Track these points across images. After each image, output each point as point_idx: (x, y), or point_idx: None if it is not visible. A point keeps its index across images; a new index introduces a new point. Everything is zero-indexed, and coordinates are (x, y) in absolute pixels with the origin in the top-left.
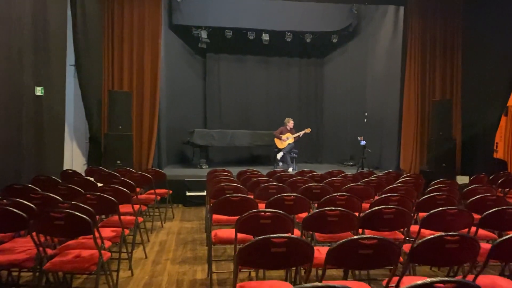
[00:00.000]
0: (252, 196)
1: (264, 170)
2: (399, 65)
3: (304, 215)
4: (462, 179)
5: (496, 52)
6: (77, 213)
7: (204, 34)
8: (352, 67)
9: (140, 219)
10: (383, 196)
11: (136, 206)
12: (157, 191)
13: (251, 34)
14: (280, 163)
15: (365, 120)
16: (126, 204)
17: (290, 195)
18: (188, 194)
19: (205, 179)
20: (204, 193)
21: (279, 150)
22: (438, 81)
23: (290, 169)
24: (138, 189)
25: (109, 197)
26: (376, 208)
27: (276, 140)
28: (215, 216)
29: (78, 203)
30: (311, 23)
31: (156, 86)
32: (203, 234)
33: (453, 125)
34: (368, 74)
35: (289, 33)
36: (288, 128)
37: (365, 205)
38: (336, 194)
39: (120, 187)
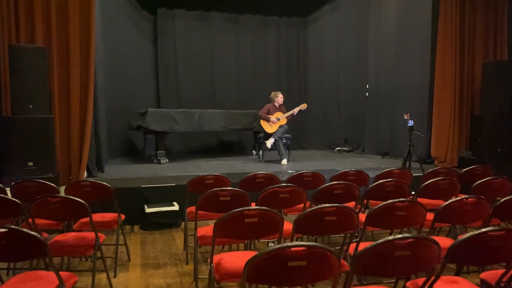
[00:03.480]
0: None
1: (244, 162)
2: (425, 20)
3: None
4: None
5: None
6: None
7: None
8: (347, 27)
9: None
10: None
11: None
12: (101, 219)
13: None
14: (260, 151)
15: (367, 94)
16: None
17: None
18: (148, 210)
19: (171, 183)
20: (173, 207)
21: (268, 135)
22: (480, 40)
23: (284, 161)
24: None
25: None
26: None
27: (262, 122)
28: None
29: None
30: None
31: (90, 48)
32: None
33: None
34: (370, 34)
35: None
36: (277, 105)
37: None
38: None
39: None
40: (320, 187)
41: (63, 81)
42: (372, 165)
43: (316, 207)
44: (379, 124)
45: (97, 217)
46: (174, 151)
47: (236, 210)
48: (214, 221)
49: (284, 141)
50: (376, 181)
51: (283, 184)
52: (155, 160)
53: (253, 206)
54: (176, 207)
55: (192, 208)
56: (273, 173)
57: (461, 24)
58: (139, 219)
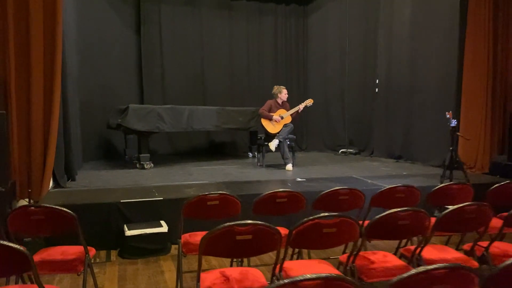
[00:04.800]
0: None
1: (241, 167)
2: (451, 4)
3: None
4: None
5: None
6: None
7: None
8: (353, 15)
9: None
10: None
11: None
12: (61, 256)
13: None
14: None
15: (376, 90)
16: None
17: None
18: (128, 233)
19: (158, 197)
20: (161, 229)
21: (270, 136)
22: None
23: (289, 166)
24: None
25: None
26: None
27: (264, 121)
28: None
29: None
30: None
31: (55, 30)
32: None
33: None
34: (381, 23)
35: None
36: (280, 101)
37: None
38: None
39: None
40: (378, 216)
41: (21, 68)
42: (390, 170)
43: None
44: (391, 123)
45: (56, 253)
46: (160, 153)
47: None
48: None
49: (288, 142)
50: (441, 204)
51: (326, 214)
52: (137, 165)
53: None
54: (164, 227)
55: (189, 237)
56: (279, 180)
57: (495, 10)
58: (117, 244)
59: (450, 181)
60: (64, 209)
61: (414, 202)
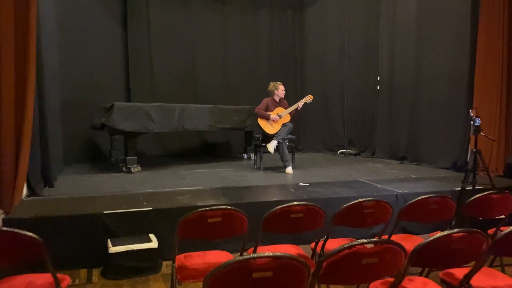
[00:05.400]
0: None
1: (237, 170)
2: None
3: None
4: None
5: None
6: None
7: None
8: (353, 8)
9: None
10: None
11: None
12: (24, 286)
13: None
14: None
15: (378, 87)
16: None
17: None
18: (112, 249)
19: (147, 206)
20: (150, 244)
21: (268, 136)
22: None
23: (289, 169)
24: None
25: None
26: None
27: (261, 121)
28: None
29: None
30: None
31: (28, 21)
32: None
33: None
34: (383, 16)
35: None
36: (277, 98)
37: None
38: None
39: None
40: (426, 241)
41: None
42: (397, 173)
43: None
44: (394, 122)
45: (21, 283)
46: (148, 154)
47: None
48: None
49: (288, 143)
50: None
51: (365, 241)
52: (124, 169)
53: None
54: (154, 243)
55: (185, 260)
56: (279, 185)
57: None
58: (100, 262)
59: (473, 186)
60: (29, 234)
61: (448, 214)
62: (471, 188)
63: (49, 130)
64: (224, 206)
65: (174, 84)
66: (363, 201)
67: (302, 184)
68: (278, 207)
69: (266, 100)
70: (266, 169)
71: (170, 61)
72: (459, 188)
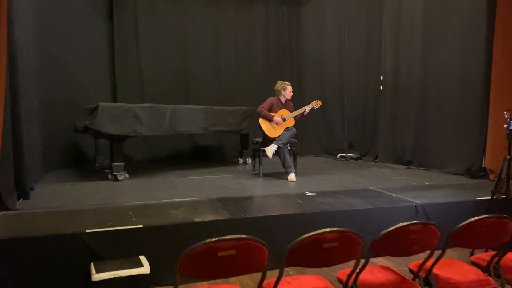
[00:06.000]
0: None
1: (235, 177)
2: None
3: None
4: None
5: None
6: None
7: None
8: (353, 4)
9: None
10: None
11: None
12: None
13: None
14: (252, 161)
15: (381, 88)
16: None
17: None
18: (96, 276)
19: (137, 223)
20: (141, 269)
21: (269, 140)
22: None
23: (292, 176)
24: None
25: None
26: None
27: (262, 122)
28: None
29: None
30: None
31: None
32: None
33: None
34: (386, 12)
35: None
36: (283, 99)
37: None
38: None
39: None
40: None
41: None
42: (408, 180)
43: None
44: (399, 125)
45: None
46: (136, 159)
47: None
48: None
49: (289, 148)
50: None
51: None
52: (109, 176)
53: None
54: (145, 267)
55: None
56: (284, 195)
57: None
58: (83, 285)
59: (506, 196)
60: None
61: (505, 237)
62: (504, 197)
63: (24, 134)
64: (239, 236)
65: (164, 82)
66: (408, 224)
67: (309, 194)
68: (306, 235)
69: (271, 100)
70: (265, 175)
71: (159, 57)
72: (484, 198)
